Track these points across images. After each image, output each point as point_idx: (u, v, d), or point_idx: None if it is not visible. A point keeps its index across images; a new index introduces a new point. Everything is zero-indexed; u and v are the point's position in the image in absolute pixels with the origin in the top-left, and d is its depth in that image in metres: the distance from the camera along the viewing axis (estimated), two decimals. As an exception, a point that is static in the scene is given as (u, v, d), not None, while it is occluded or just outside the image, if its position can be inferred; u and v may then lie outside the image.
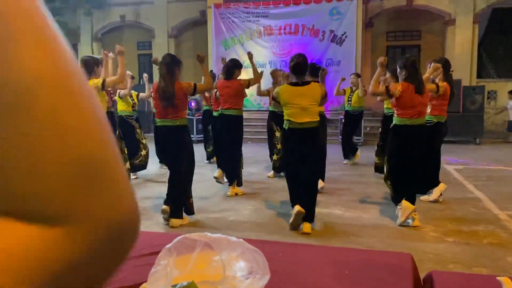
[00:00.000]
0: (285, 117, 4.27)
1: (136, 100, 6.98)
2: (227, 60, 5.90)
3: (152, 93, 4.66)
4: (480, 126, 11.49)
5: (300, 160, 4.24)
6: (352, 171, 7.60)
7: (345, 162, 8.24)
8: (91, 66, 4.98)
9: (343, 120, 8.44)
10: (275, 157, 6.99)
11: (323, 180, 5.86)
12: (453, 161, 8.46)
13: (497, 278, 1.20)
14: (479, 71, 15.38)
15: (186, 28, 17.80)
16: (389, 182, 4.56)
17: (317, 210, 4.87)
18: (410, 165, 4.35)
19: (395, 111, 4.42)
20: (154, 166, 7.34)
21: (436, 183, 5.25)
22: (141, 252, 1.65)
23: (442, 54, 15.49)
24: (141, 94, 7.26)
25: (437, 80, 5.12)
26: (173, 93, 4.23)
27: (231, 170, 5.77)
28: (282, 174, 6.59)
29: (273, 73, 6.21)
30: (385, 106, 6.36)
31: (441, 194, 5.22)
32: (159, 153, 4.65)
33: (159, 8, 17.16)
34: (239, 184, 5.84)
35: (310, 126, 4.18)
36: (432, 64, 5.14)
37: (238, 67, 5.74)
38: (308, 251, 1.65)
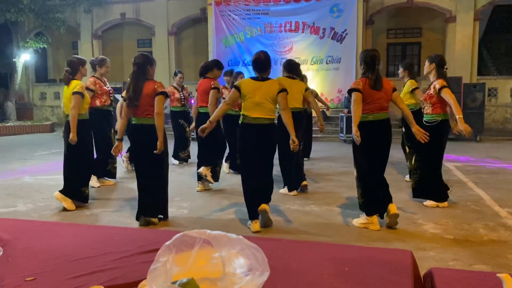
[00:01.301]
0: (242, 111, 4.24)
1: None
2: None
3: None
4: (480, 124, 11.48)
5: (256, 157, 4.20)
6: (351, 169, 7.58)
7: None
8: (75, 66, 5.10)
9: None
10: None
11: (288, 186, 5.66)
12: (453, 159, 8.45)
13: (497, 275, 1.19)
14: (479, 68, 15.36)
15: (186, 26, 17.77)
16: (359, 185, 4.35)
17: (316, 208, 4.89)
18: (376, 163, 4.23)
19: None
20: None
21: (443, 197, 5.00)
22: (141, 249, 1.65)
23: (443, 52, 15.48)
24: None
25: (431, 78, 5.05)
26: (137, 96, 4.23)
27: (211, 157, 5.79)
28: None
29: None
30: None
31: (437, 206, 4.97)
32: (134, 152, 4.63)
33: (159, 5, 17.12)
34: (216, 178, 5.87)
35: (262, 122, 4.14)
36: (426, 61, 5.09)
37: (218, 67, 5.95)
38: (308, 248, 1.65)
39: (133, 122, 4.40)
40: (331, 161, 8.08)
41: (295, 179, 5.67)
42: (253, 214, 4.24)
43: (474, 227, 4.25)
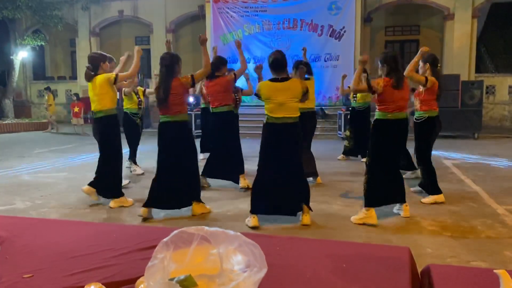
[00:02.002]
0: (265, 112, 4.29)
1: (142, 97, 6.93)
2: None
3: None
4: (478, 121, 11.50)
5: (279, 155, 4.23)
6: (351, 166, 7.59)
7: (339, 157, 8.18)
8: (97, 62, 4.93)
9: (348, 117, 8.30)
10: None
11: (316, 176, 5.89)
12: (451, 156, 8.47)
13: (494, 271, 1.20)
14: (477, 65, 15.37)
15: (184, 23, 17.74)
16: (367, 176, 4.44)
17: (315, 205, 4.88)
18: (390, 162, 4.36)
19: (377, 104, 4.41)
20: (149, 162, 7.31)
21: (436, 190, 5.09)
22: (139, 246, 1.65)
23: (441, 49, 15.49)
24: (148, 90, 7.24)
25: (426, 75, 5.11)
26: (167, 95, 4.36)
27: (238, 163, 5.76)
28: None
29: (257, 69, 6.10)
30: None
31: (435, 203, 5.02)
32: (163, 149, 4.70)
33: (157, 2, 17.08)
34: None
35: (287, 121, 4.18)
36: (420, 62, 5.13)
37: (223, 63, 5.81)
38: (306, 245, 1.65)
39: (161, 121, 4.53)
40: (329, 159, 8.08)
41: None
42: (254, 208, 4.27)
43: (471, 224, 4.27)
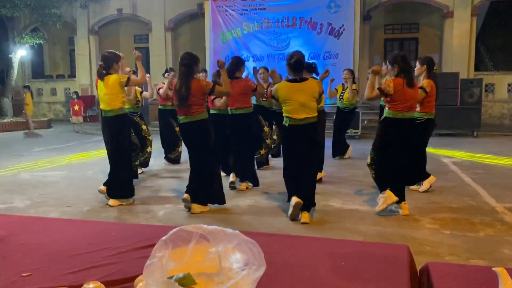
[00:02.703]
0: (285, 114, 4.32)
1: (139, 98, 6.93)
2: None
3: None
4: (477, 119, 11.50)
5: (300, 156, 4.31)
6: (349, 164, 7.60)
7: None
8: (110, 61, 4.91)
9: (334, 117, 8.37)
10: (262, 151, 7.05)
11: (320, 171, 5.93)
12: (450, 154, 8.48)
13: (493, 269, 1.20)
14: (477, 64, 15.37)
15: (183, 21, 17.72)
16: (373, 170, 4.65)
17: (316, 202, 4.89)
18: (396, 159, 4.42)
19: (386, 104, 4.47)
20: (155, 161, 7.31)
21: (425, 175, 5.44)
22: (137, 244, 1.65)
23: (440, 47, 15.49)
24: (144, 93, 7.21)
25: (421, 78, 5.24)
26: (187, 95, 4.41)
27: (247, 168, 5.79)
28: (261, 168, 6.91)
29: (272, 74, 6.06)
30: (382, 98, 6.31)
31: (430, 186, 5.42)
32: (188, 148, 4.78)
33: (156, 1, 17.05)
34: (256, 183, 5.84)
35: (309, 122, 4.25)
36: (417, 62, 5.28)
37: (242, 63, 5.80)
38: (305, 243, 1.65)
39: (181, 122, 4.62)
40: (329, 157, 8.08)
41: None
42: (289, 194, 4.42)
43: (470, 222, 4.27)
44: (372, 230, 4.07)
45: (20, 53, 17.05)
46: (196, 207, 4.63)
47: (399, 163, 4.46)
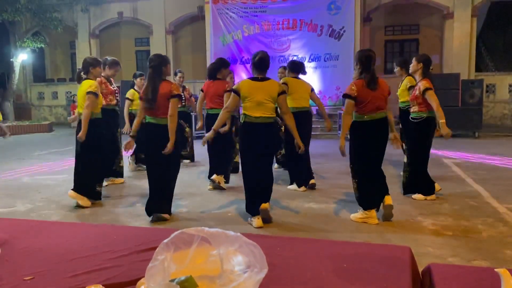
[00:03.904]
0: (243, 111, 4.31)
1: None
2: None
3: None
4: (479, 120, 11.49)
5: (257, 154, 4.27)
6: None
7: None
8: (87, 66, 5.09)
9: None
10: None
11: (297, 182, 5.75)
12: (452, 155, 8.47)
13: (495, 270, 1.20)
14: (477, 64, 15.37)
15: (183, 24, 17.75)
16: (355, 181, 4.42)
17: (315, 205, 4.89)
18: (372, 161, 4.31)
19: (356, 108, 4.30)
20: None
21: (429, 189, 5.16)
22: (139, 247, 1.65)
23: (441, 48, 15.49)
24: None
25: (417, 76, 5.17)
26: (154, 97, 4.29)
27: (223, 164, 5.86)
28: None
29: None
30: (399, 100, 6.18)
31: (425, 199, 5.11)
32: (146, 149, 4.66)
33: (157, 4, 17.10)
34: (226, 178, 5.91)
35: (264, 121, 4.22)
36: (414, 59, 5.18)
37: (224, 66, 5.85)
38: (306, 245, 1.65)
39: (147, 121, 4.44)
40: (329, 158, 8.08)
41: (305, 175, 5.77)
42: (255, 210, 4.28)
43: (473, 223, 4.26)
44: (374, 232, 4.06)
45: (22, 57, 17.09)
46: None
47: (377, 165, 4.35)
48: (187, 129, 7.90)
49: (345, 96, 4.29)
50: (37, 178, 6.96)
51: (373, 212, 4.30)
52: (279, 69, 7.17)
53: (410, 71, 5.34)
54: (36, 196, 5.70)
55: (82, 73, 5.12)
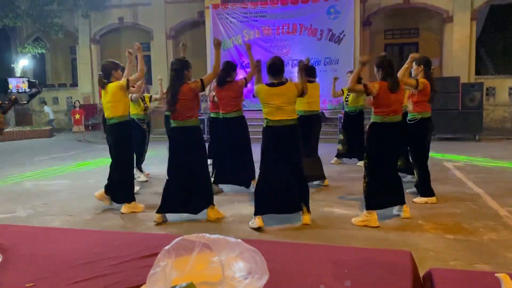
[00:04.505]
0: (263, 116, 4.38)
1: (148, 104, 6.95)
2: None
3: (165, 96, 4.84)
4: (479, 123, 11.49)
5: (279, 157, 4.31)
6: (352, 170, 7.58)
7: (332, 161, 8.18)
8: (108, 70, 5.01)
9: (342, 121, 8.34)
10: None
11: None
12: (453, 158, 8.46)
13: (496, 274, 1.20)
14: (477, 68, 15.38)
15: (184, 29, 17.79)
16: (365, 181, 4.47)
17: (317, 208, 4.88)
18: (388, 164, 4.42)
19: (372, 109, 4.47)
20: (159, 168, 7.33)
21: (429, 192, 5.17)
22: (140, 254, 1.65)
23: (440, 52, 15.51)
24: (154, 96, 7.25)
25: (418, 78, 5.20)
26: (174, 100, 4.40)
27: (249, 168, 5.79)
28: None
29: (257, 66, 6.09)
30: None
31: (426, 203, 5.10)
32: (174, 154, 4.76)
33: (157, 9, 17.15)
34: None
35: (286, 124, 4.27)
36: (414, 64, 5.21)
37: (233, 69, 5.77)
38: (307, 250, 1.65)
39: (172, 126, 4.57)
40: (329, 162, 8.08)
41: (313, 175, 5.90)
42: (258, 210, 4.32)
43: (474, 226, 4.25)
44: (375, 236, 4.05)
45: (22, 63, 17.14)
46: (212, 214, 4.63)
47: (391, 167, 4.46)
48: None
49: (364, 85, 4.38)
50: (38, 183, 6.97)
51: (374, 215, 4.34)
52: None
53: (412, 75, 5.35)
54: (37, 201, 5.70)
55: (103, 79, 5.01)
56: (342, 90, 7.97)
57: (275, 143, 4.31)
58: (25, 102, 2.89)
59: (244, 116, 5.80)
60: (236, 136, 5.70)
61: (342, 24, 13.73)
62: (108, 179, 5.13)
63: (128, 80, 4.92)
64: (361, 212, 4.45)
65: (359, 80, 4.56)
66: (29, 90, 2.82)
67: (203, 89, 4.65)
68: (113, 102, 4.90)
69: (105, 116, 5.05)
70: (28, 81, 2.81)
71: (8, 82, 2.88)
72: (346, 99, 7.87)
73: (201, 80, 4.54)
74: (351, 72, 7.82)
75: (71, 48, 19.62)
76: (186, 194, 4.58)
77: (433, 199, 5.14)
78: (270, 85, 4.34)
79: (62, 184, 6.86)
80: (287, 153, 4.33)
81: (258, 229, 4.21)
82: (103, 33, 18.47)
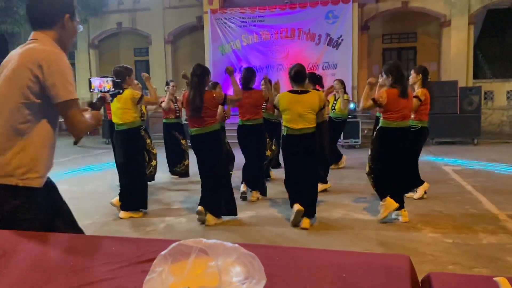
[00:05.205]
0: (284, 123, 4.46)
1: (144, 110, 6.87)
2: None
3: (183, 103, 4.87)
4: (477, 127, 11.50)
5: (298, 164, 4.43)
6: (350, 173, 7.59)
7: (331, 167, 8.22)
8: (122, 75, 4.94)
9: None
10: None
11: (325, 182, 6.07)
12: (451, 162, 8.47)
13: (494, 278, 1.19)
14: (475, 72, 15.43)
15: (182, 34, 17.84)
16: (372, 179, 4.79)
17: (317, 213, 4.88)
18: (393, 167, 4.51)
19: (381, 114, 4.57)
20: (160, 174, 7.27)
21: (420, 182, 5.53)
22: (136, 259, 1.64)
23: (438, 56, 15.56)
24: (163, 101, 7.13)
25: (416, 87, 5.34)
26: (201, 106, 4.43)
27: (256, 177, 5.81)
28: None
29: (276, 86, 6.14)
30: None
31: (425, 192, 5.50)
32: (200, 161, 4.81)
33: (156, 14, 17.20)
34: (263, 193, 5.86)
35: (306, 132, 4.35)
36: (412, 71, 5.42)
37: (255, 75, 5.81)
38: (305, 255, 1.65)
39: (193, 133, 4.60)
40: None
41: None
42: (293, 202, 4.52)
43: (473, 230, 4.25)
44: (374, 239, 4.05)
45: (21, 68, 17.12)
46: (211, 219, 4.62)
47: (397, 171, 4.53)
48: (183, 141, 7.61)
49: (372, 99, 4.47)
50: (36, 189, 6.93)
51: (388, 199, 4.45)
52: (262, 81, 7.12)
53: (410, 83, 5.43)
54: (35, 207, 5.67)
55: (117, 85, 4.99)
56: (327, 100, 7.96)
57: (296, 151, 4.42)
58: (110, 101, 2.90)
59: (263, 123, 5.78)
60: (255, 143, 5.69)
61: (340, 28, 13.77)
62: (120, 186, 5.12)
63: (142, 97, 4.94)
64: (379, 207, 4.58)
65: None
66: (113, 89, 2.83)
67: (223, 104, 4.74)
68: (123, 109, 4.90)
69: (114, 121, 5.02)
70: (113, 81, 2.82)
71: (90, 81, 2.91)
72: (333, 106, 7.88)
73: (225, 95, 4.63)
74: (339, 80, 7.82)
75: (70, 53, 19.61)
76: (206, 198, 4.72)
77: (425, 184, 5.48)
78: (293, 92, 4.39)
79: (61, 189, 6.81)
80: (306, 160, 4.43)
81: (299, 212, 4.36)
82: (102, 38, 18.51)
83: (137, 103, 4.94)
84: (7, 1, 14.62)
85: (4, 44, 18.04)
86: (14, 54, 2.03)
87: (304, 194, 4.48)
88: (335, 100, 7.80)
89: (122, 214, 4.97)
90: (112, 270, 1.58)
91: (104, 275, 1.56)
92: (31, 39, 2.03)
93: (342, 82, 7.73)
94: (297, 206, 4.38)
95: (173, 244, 1.27)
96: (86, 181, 7.45)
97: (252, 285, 1.21)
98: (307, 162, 4.43)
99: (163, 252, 1.25)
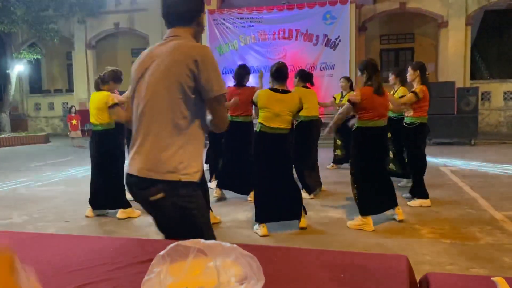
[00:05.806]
0: (259, 120, 4.33)
1: None
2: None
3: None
4: (474, 127, 11.54)
5: (272, 164, 4.30)
6: (347, 174, 7.58)
7: (328, 166, 8.22)
8: (108, 78, 4.91)
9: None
10: None
11: (308, 191, 5.80)
12: (449, 163, 8.49)
13: (492, 278, 1.20)
14: (472, 72, 15.48)
15: (180, 35, 17.81)
16: (355, 190, 4.47)
17: (313, 213, 4.88)
18: (374, 170, 4.41)
19: (356, 114, 4.42)
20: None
21: (423, 194, 5.23)
22: (134, 260, 1.64)
23: (436, 57, 15.60)
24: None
25: (414, 84, 5.27)
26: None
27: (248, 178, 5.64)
28: None
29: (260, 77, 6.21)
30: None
31: (421, 206, 5.16)
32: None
33: (153, 14, 17.16)
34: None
35: (279, 132, 4.23)
36: (409, 68, 5.30)
37: (249, 72, 5.85)
38: (303, 255, 1.65)
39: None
40: (324, 167, 8.08)
41: (314, 183, 5.94)
42: (261, 217, 4.31)
43: (470, 230, 4.26)
44: (372, 240, 4.05)
45: (18, 68, 17.10)
46: None
47: (378, 173, 4.45)
48: None
49: (348, 101, 4.39)
50: (34, 189, 6.93)
51: (369, 220, 4.34)
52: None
53: (408, 80, 5.42)
54: (33, 208, 5.67)
55: (100, 81, 4.92)
56: (334, 97, 7.97)
57: (268, 150, 4.29)
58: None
59: (252, 122, 5.69)
60: (242, 141, 5.59)
61: (338, 29, 13.80)
62: (91, 189, 5.08)
63: (114, 106, 4.70)
64: (356, 216, 4.45)
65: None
66: None
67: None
68: (98, 110, 4.84)
69: (90, 121, 4.99)
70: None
71: None
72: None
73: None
74: (345, 77, 7.83)
75: (67, 53, 19.61)
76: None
77: (427, 201, 5.18)
78: (274, 90, 4.29)
79: (58, 190, 6.83)
80: (280, 160, 4.31)
81: (264, 236, 4.20)
82: (99, 38, 18.48)
83: (108, 108, 4.76)
84: (4, 2, 14.59)
85: (1, 44, 18.00)
86: (160, 51, 2.01)
87: (284, 195, 4.33)
88: (342, 97, 7.72)
89: (120, 214, 4.96)
90: (110, 270, 1.58)
91: (101, 275, 1.55)
92: (172, 35, 2.04)
93: (348, 80, 7.71)
94: (263, 230, 4.22)
95: (171, 245, 1.27)
96: (83, 182, 7.42)
97: (251, 285, 1.20)
98: (280, 162, 4.31)
99: (161, 253, 1.25)
